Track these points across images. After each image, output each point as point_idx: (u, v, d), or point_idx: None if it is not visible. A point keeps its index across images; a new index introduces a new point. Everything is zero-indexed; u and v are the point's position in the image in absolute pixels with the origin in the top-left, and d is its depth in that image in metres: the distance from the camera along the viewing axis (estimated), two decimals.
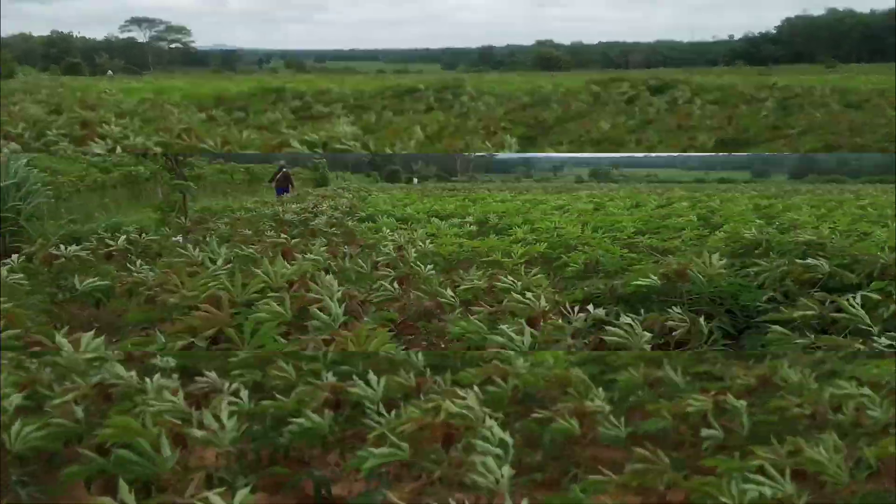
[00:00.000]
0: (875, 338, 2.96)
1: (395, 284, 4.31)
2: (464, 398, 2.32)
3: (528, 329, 2.84)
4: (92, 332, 2.95)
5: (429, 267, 4.89)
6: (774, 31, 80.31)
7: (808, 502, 1.92)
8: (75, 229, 8.90)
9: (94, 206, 12.41)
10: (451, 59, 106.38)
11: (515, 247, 6.56)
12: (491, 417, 2.23)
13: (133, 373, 2.64)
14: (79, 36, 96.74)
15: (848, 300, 3.20)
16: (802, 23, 77.68)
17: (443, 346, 3.59)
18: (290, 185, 23.90)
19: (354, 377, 2.70)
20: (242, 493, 1.76)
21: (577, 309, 3.42)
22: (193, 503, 1.76)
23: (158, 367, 2.91)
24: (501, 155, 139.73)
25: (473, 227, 9.07)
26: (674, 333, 3.28)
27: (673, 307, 3.63)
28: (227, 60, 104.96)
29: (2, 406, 2.32)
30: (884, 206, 12.46)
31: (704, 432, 2.45)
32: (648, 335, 2.92)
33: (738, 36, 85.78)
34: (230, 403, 2.44)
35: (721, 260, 4.37)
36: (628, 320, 3.00)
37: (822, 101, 11.25)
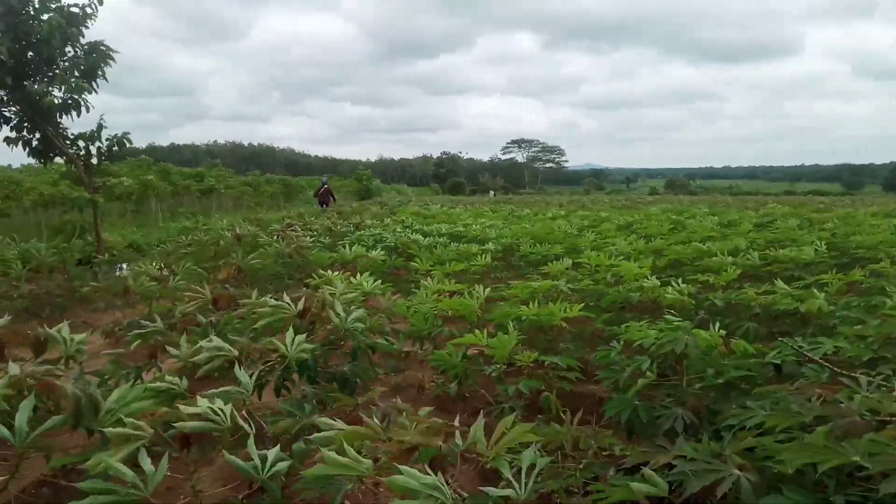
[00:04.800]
0: None
1: None
2: None
3: None
4: None
5: None
6: None
7: None
8: None
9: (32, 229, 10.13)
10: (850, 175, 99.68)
11: (531, 309, 3.61)
12: None
13: None
14: (466, 157, 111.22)
15: None
16: None
17: None
18: (331, 198, 23.07)
19: None
20: None
21: None
22: None
23: None
24: (571, 166, 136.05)
25: (486, 261, 6.14)
26: None
27: None
28: (596, 178, 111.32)
29: None
30: None
31: None
32: None
33: None
34: None
35: None
36: None
37: None
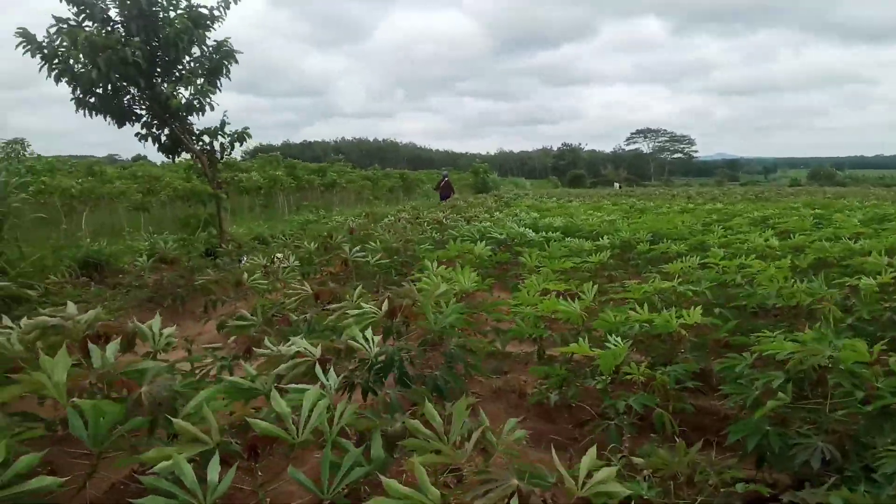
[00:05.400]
0: None
1: None
2: None
3: None
4: None
5: None
6: None
7: None
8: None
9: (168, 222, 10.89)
10: None
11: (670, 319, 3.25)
12: None
13: None
14: (587, 149, 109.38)
15: None
16: None
17: None
18: (451, 192, 23.49)
19: None
20: None
21: None
22: None
23: None
24: (702, 156, 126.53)
25: (600, 257, 5.75)
26: None
27: None
28: (730, 169, 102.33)
29: None
30: None
31: None
32: None
33: None
34: None
35: None
36: None
37: None
